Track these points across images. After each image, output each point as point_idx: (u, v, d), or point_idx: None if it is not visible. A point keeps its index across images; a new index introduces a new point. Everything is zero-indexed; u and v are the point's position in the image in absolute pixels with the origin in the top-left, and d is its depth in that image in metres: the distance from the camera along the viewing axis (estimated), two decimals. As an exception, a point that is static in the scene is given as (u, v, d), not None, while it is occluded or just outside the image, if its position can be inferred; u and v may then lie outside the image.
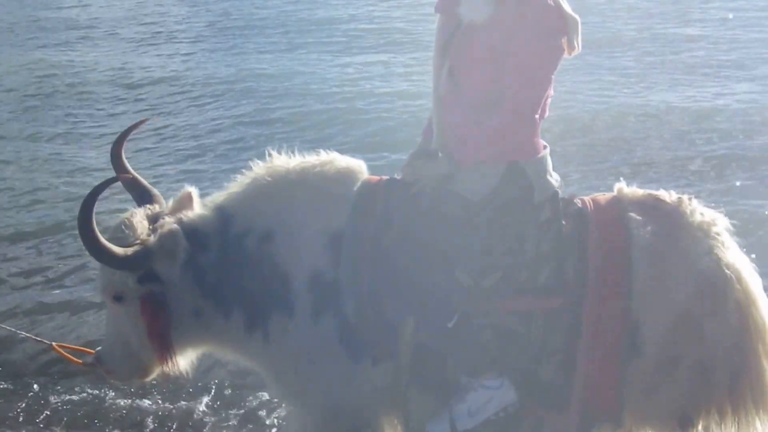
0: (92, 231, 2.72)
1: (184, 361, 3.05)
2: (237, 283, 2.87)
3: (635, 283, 2.71)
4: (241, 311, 2.89)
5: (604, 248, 2.73)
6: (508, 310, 2.75)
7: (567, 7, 2.72)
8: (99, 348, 3.09)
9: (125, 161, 3.06)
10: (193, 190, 3.03)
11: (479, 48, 2.70)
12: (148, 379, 3.13)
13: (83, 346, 3.63)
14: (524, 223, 2.75)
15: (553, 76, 2.75)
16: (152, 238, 2.83)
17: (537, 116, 2.73)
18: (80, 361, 3.37)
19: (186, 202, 3.00)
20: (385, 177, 3.01)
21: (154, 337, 2.86)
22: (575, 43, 2.73)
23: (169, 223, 2.87)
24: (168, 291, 2.86)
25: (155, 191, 3.07)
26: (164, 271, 2.84)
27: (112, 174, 3.07)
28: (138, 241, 2.83)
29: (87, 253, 2.81)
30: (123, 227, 2.88)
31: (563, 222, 2.78)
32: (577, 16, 2.72)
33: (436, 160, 2.80)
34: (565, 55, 2.77)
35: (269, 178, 2.95)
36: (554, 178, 2.85)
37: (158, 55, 11.93)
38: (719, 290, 2.70)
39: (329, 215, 2.87)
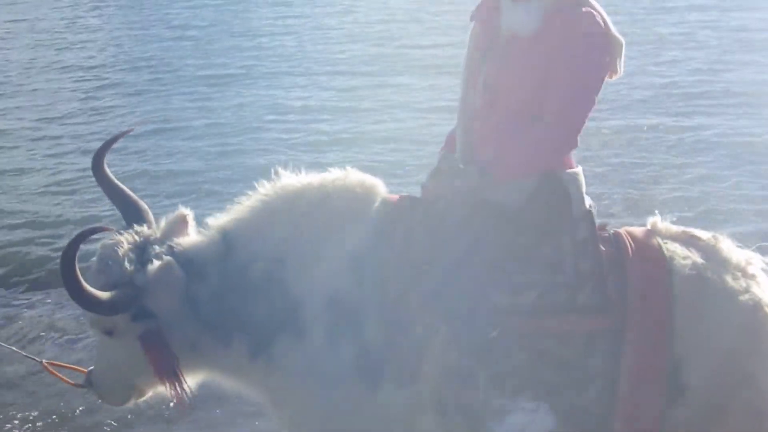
0: (77, 281, 2.50)
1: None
2: (240, 311, 2.70)
3: (677, 317, 2.58)
4: (244, 339, 2.72)
5: (645, 274, 2.61)
6: (545, 331, 2.60)
7: (613, 28, 2.64)
8: (91, 368, 2.92)
9: (108, 173, 2.85)
10: (188, 213, 2.84)
11: (522, 62, 2.62)
12: (143, 399, 2.98)
13: (76, 364, 3.44)
14: (561, 238, 2.62)
15: (596, 97, 2.65)
16: (141, 275, 2.62)
17: (579, 133, 2.64)
18: (72, 381, 3.17)
19: (179, 225, 2.81)
20: (405, 195, 2.87)
21: (161, 373, 2.71)
22: (618, 65, 2.66)
23: (159, 254, 2.66)
24: (163, 325, 2.69)
25: (144, 206, 2.84)
26: (158, 307, 2.66)
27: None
28: (125, 279, 2.61)
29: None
30: (108, 261, 2.65)
31: (602, 246, 2.65)
32: (622, 39, 2.64)
33: (463, 175, 2.67)
34: (606, 78, 2.68)
35: (278, 199, 2.80)
36: (587, 198, 2.75)
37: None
38: (763, 329, 2.59)
39: (348, 236, 2.71)
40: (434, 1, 14.24)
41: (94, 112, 9.51)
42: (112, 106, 9.73)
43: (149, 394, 2.94)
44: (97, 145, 3.22)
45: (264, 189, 2.83)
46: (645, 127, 8.26)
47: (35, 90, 10.56)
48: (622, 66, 2.68)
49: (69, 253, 2.50)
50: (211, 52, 11.87)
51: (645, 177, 7.15)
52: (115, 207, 2.86)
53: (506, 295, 2.59)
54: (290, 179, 2.84)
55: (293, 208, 2.77)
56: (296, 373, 2.70)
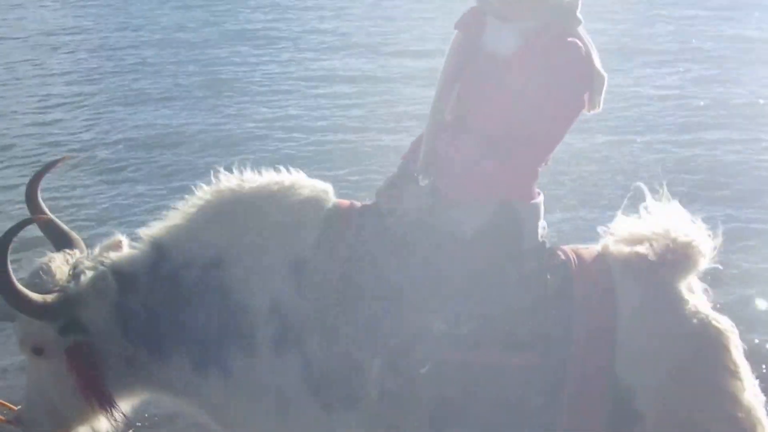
0: (6, 275, 2.44)
1: (123, 407, 2.77)
2: (176, 321, 2.60)
3: (624, 346, 2.55)
4: (184, 352, 2.62)
5: (585, 308, 2.57)
6: (482, 364, 2.55)
7: (597, 62, 2.56)
8: (20, 407, 2.79)
9: (41, 202, 2.80)
10: (123, 238, 2.77)
11: (496, 81, 2.54)
12: None
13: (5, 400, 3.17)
14: (507, 271, 2.57)
15: (566, 132, 2.59)
16: (73, 284, 2.57)
17: (541, 164, 2.62)
18: (1, 417, 2.99)
19: (114, 249, 2.74)
20: (356, 202, 2.78)
21: (87, 393, 2.60)
22: (597, 100, 2.58)
23: (90, 267, 2.61)
24: (95, 340, 2.60)
25: (74, 235, 2.81)
26: (89, 320, 2.58)
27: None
28: (58, 288, 2.57)
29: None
30: (41, 273, 2.62)
31: (548, 276, 2.60)
32: (604, 74, 2.57)
33: (417, 189, 2.61)
34: (584, 112, 2.62)
35: (215, 203, 2.68)
36: (543, 226, 2.69)
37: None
38: (713, 343, 2.59)
39: (292, 241, 2.62)
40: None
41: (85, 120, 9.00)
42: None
43: (82, 429, 2.79)
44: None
45: (201, 192, 2.72)
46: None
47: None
48: (601, 101, 2.60)
49: (1, 245, 2.45)
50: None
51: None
52: (46, 237, 2.82)
53: (446, 325, 2.54)
54: (230, 181, 2.72)
55: (231, 211, 2.66)
56: (251, 386, 2.61)
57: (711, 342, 2.58)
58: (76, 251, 2.73)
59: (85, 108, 9.22)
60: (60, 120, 8.83)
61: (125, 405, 2.78)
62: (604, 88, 2.58)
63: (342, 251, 2.59)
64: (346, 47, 11.55)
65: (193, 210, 2.69)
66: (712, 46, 11.21)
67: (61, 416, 2.71)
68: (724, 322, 2.62)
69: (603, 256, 2.70)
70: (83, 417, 2.71)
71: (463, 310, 2.54)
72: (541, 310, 2.56)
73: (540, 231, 2.66)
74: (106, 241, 2.77)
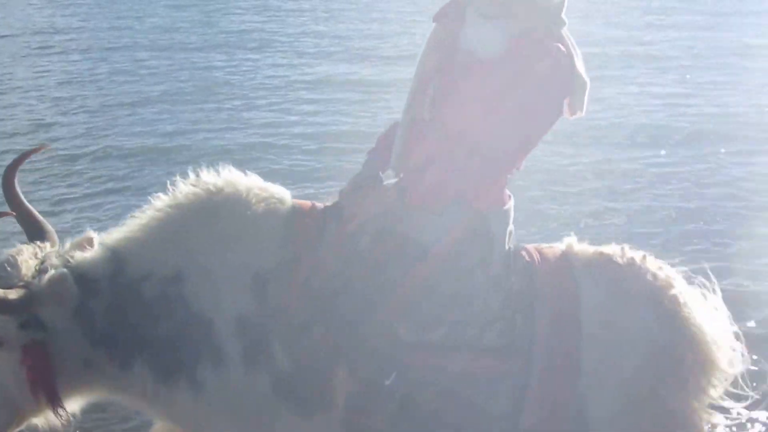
0: None
1: (72, 407, 2.77)
2: (136, 332, 2.59)
3: (584, 351, 2.55)
4: (146, 362, 2.61)
5: (549, 309, 2.56)
6: (450, 370, 2.53)
7: (580, 66, 2.50)
8: None
9: (18, 191, 2.78)
10: (95, 235, 2.75)
11: (474, 83, 2.48)
12: (23, 427, 2.81)
13: None
14: (476, 276, 2.55)
15: (541, 138, 2.55)
16: (37, 281, 2.56)
17: (513, 169, 2.57)
18: None
19: (85, 246, 2.72)
20: (318, 204, 2.72)
21: (36, 389, 2.60)
22: (579, 105, 2.53)
23: (56, 265, 2.60)
24: (53, 339, 2.59)
25: (49, 227, 2.78)
26: (49, 318, 2.56)
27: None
28: (22, 283, 2.55)
29: None
30: (6, 266, 2.60)
31: (513, 279, 2.59)
32: (587, 78, 2.51)
33: (382, 192, 2.56)
34: (566, 117, 2.58)
35: (172, 212, 2.64)
36: (510, 231, 2.66)
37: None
38: (673, 354, 2.56)
39: (252, 252, 2.59)
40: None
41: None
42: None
43: (33, 421, 2.77)
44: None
45: (158, 202, 2.68)
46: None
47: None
48: (585, 105, 2.55)
49: None
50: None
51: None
52: (21, 226, 2.80)
53: (413, 331, 2.52)
54: (186, 190, 2.67)
55: (188, 220, 2.62)
56: (221, 400, 2.60)
57: (670, 354, 2.56)
58: (47, 244, 2.71)
59: (79, 112, 9.06)
60: (54, 123, 8.66)
61: (80, 403, 2.78)
62: (587, 93, 2.53)
63: (304, 261, 2.55)
64: (341, 51, 11.40)
65: (150, 222, 2.65)
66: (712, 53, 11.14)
67: (15, 407, 2.68)
68: (697, 332, 2.58)
69: (566, 256, 2.67)
70: (36, 410, 2.70)
71: (430, 316, 2.51)
72: (507, 313, 2.54)
73: (508, 236, 2.63)
74: (78, 238, 2.74)
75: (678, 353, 2.56)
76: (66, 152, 7.67)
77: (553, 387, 2.52)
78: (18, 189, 2.78)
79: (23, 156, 2.89)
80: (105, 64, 10.88)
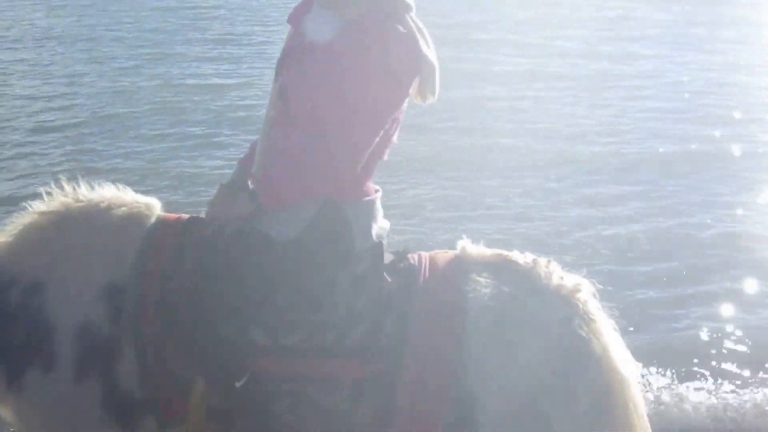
0: None
1: None
2: (1, 339, 2.55)
3: (469, 351, 2.37)
4: (3, 368, 2.56)
5: (429, 310, 2.41)
6: (309, 376, 2.40)
7: (427, 50, 2.43)
8: None
9: None
10: None
11: (313, 71, 2.41)
12: None
13: None
14: (336, 274, 2.41)
15: (392, 118, 2.43)
16: None
17: (364, 157, 2.42)
18: None
19: None
20: (184, 215, 2.69)
21: None
22: (429, 89, 2.46)
23: None
24: None
25: None
26: None
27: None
28: None
29: None
30: None
31: (386, 278, 2.45)
32: (435, 62, 2.44)
33: (237, 199, 2.48)
34: (419, 102, 2.51)
35: (42, 221, 2.62)
36: (381, 227, 2.53)
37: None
38: (570, 369, 2.37)
39: (107, 262, 2.54)
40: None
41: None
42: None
43: None
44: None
45: (32, 209, 2.66)
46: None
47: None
48: (436, 90, 2.48)
49: None
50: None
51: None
52: None
53: (268, 335, 2.39)
54: (60, 199, 2.67)
55: (54, 232, 2.61)
56: (39, 408, 2.55)
57: (568, 366, 2.37)
58: None
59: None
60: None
61: None
62: (437, 77, 2.46)
63: (157, 271, 2.49)
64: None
65: (21, 228, 2.64)
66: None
67: None
68: (601, 342, 2.40)
69: (459, 258, 2.54)
70: None
71: (286, 319, 2.39)
72: (373, 315, 2.41)
73: (375, 231, 2.50)
74: None
75: (579, 367, 2.37)
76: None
77: (425, 394, 2.38)
78: None
79: None
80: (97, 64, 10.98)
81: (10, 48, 11.69)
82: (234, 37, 12.83)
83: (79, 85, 10.01)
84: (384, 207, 2.59)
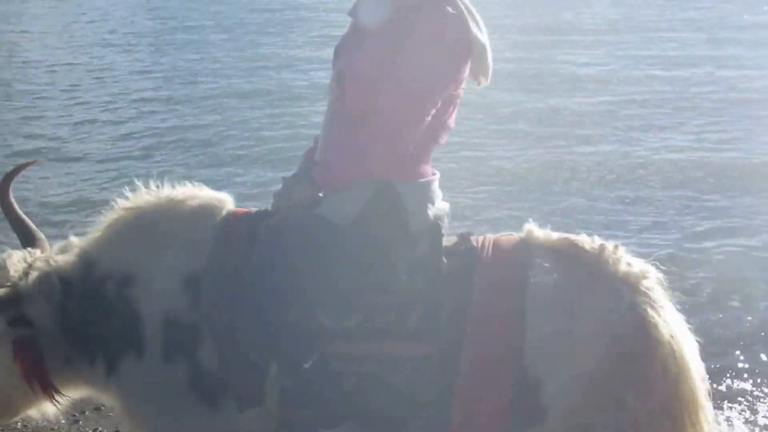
0: None
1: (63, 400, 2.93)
2: (99, 329, 2.76)
3: (531, 335, 2.38)
4: (102, 357, 2.78)
5: (489, 292, 2.42)
6: (372, 356, 2.47)
7: (478, 32, 2.46)
8: None
9: (13, 201, 3.01)
10: (76, 240, 2.95)
11: (365, 56, 2.48)
12: (18, 418, 3.08)
13: None
14: (396, 255, 2.46)
15: (445, 101, 2.46)
16: (24, 282, 2.79)
17: (416, 137, 2.45)
18: None
19: (65, 251, 2.92)
20: (253, 209, 2.83)
21: (31, 382, 2.79)
22: (482, 71, 2.53)
23: (40, 267, 2.82)
24: (40, 336, 2.79)
25: (41, 235, 3.02)
26: (35, 316, 2.78)
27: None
28: (9, 284, 2.78)
29: None
30: None
31: (444, 260, 2.48)
32: (487, 43, 2.47)
33: (298, 185, 2.55)
34: (474, 86, 2.56)
35: (129, 218, 2.81)
36: (439, 208, 2.56)
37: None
38: (640, 353, 2.35)
39: (186, 255, 2.70)
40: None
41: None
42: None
43: (30, 411, 2.99)
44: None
45: (118, 204, 2.86)
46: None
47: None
48: (489, 72, 2.54)
49: None
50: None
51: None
52: (15, 233, 3.03)
53: (333, 317, 2.49)
54: (142, 194, 2.85)
55: (141, 223, 2.79)
56: (134, 392, 2.73)
57: (635, 351, 2.35)
58: (38, 251, 2.93)
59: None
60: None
61: (69, 396, 2.94)
62: (489, 59, 2.50)
63: (233, 257, 2.63)
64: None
65: (110, 225, 2.83)
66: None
67: (10, 400, 2.91)
68: (669, 329, 2.38)
69: (525, 242, 2.55)
70: (30, 402, 2.92)
71: (348, 301, 2.47)
72: (432, 296, 2.45)
73: (432, 212, 2.53)
74: (60, 243, 2.96)
75: (648, 352, 2.35)
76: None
77: (486, 374, 2.39)
78: (12, 199, 3.01)
79: (18, 169, 3.12)
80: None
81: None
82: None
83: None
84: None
